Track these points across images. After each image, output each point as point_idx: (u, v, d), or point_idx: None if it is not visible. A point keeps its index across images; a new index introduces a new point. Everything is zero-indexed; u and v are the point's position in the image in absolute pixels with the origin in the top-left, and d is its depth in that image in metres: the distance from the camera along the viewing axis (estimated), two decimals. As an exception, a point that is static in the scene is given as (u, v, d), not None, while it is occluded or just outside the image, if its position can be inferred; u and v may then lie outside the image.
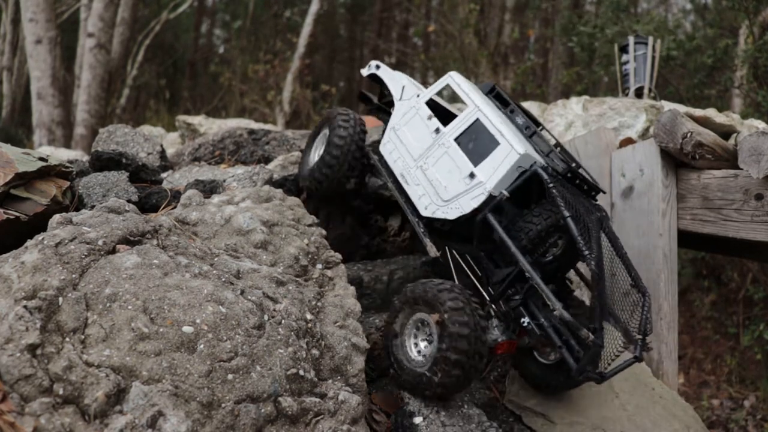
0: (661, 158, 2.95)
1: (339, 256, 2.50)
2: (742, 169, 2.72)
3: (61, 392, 1.53)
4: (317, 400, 1.92)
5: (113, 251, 1.92)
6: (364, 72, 3.19)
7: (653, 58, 4.17)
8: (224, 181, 3.17)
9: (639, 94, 4.12)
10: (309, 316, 2.10)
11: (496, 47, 12.38)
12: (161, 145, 3.77)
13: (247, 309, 1.91)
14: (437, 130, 2.63)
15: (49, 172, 2.63)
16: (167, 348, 1.70)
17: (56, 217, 1.99)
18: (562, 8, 10.69)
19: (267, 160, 3.78)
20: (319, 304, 2.22)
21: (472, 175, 2.45)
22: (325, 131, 3.04)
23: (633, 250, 3.00)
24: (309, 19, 12.81)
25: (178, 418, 1.60)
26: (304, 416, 1.87)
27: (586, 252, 2.12)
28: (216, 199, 2.54)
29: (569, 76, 9.91)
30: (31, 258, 1.76)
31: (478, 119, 2.51)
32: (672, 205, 2.96)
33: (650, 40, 4.21)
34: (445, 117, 2.80)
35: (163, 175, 3.40)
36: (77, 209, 2.66)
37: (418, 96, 2.81)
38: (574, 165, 2.62)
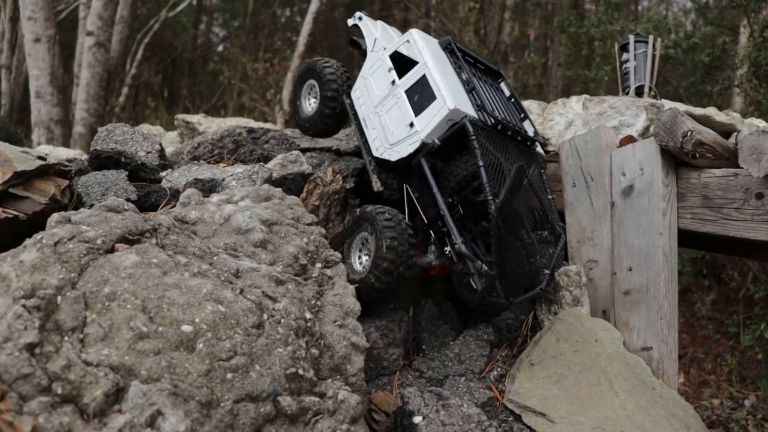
0: (661, 157, 2.94)
1: (338, 255, 2.50)
2: (742, 168, 2.72)
3: (59, 391, 1.53)
4: (316, 399, 1.92)
5: (112, 250, 1.91)
6: (350, 22, 3.54)
7: (653, 56, 4.15)
8: (223, 180, 3.17)
9: (639, 92, 4.11)
10: (308, 315, 2.09)
11: (496, 46, 12.36)
12: (160, 144, 3.75)
13: (246, 308, 1.90)
14: (393, 82, 2.95)
15: (47, 170, 2.63)
16: (166, 347, 1.69)
17: (55, 216, 1.98)
18: (562, 6, 10.67)
19: (266, 159, 3.76)
20: (318, 303, 2.22)
21: (411, 125, 2.79)
22: (312, 82, 3.46)
23: (633, 249, 3.00)
24: (309, 18, 12.78)
25: (177, 418, 1.59)
26: (303, 415, 1.86)
27: (490, 198, 2.49)
28: (215, 198, 2.53)
29: (575, 71, 9.90)
30: (29, 257, 1.75)
31: (424, 75, 2.80)
32: (672, 204, 2.95)
33: (650, 38, 4.20)
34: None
35: (162, 173, 3.39)
36: (76, 208, 2.66)
37: (384, 49, 3.11)
38: (509, 118, 2.95)
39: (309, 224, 2.54)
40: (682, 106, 3.56)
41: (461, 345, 2.89)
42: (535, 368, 2.70)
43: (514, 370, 2.77)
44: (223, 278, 2.00)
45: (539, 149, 3.05)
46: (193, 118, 5.60)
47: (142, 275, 1.83)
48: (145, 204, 2.78)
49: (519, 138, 2.87)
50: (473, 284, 2.59)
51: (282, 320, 1.98)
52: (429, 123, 2.73)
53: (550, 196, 2.88)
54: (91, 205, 2.57)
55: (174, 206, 2.55)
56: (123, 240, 1.97)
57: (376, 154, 2.99)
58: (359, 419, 2.00)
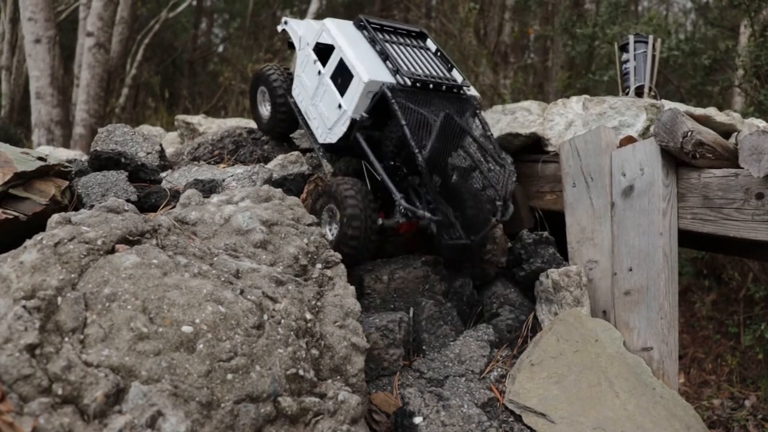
0: (661, 157, 2.94)
1: (339, 255, 2.50)
2: (742, 168, 2.72)
3: (60, 392, 1.53)
4: (317, 400, 1.92)
5: (112, 251, 1.91)
6: (279, 28, 3.75)
7: (653, 56, 4.15)
8: (223, 180, 3.17)
9: (639, 93, 4.11)
10: (308, 316, 2.09)
11: (496, 46, 12.36)
12: (160, 145, 3.76)
13: (246, 309, 1.90)
14: (319, 72, 3.17)
15: (48, 171, 2.63)
16: (166, 348, 1.69)
17: (55, 217, 1.98)
18: (562, 8, 10.66)
19: (266, 159, 3.77)
20: (318, 303, 2.22)
21: (339, 106, 3.01)
22: (263, 89, 3.71)
23: (633, 249, 3.00)
24: (308, 19, 12.76)
25: (178, 418, 1.59)
26: (303, 416, 1.86)
27: (416, 151, 2.69)
28: (215, 198, 2.53)
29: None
30: (29, 258, 1.75)
31: (341, 59, 3.02)
32: (672, 204, 2.95)
33: (650, 38, 4.19)
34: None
35: (163, 174, 3.40)
36: (76, 209, 2.66)
37: (308, 44, 3.33)
38: (434, 72, 3.13)
39: (309, 225, 2.54)
40: (682, 106, 3.56)
41: (461, 345, 2.89)
42: (536, 369, 2.70)
43: (514, 371, 2.77)
44: (223, 279, 2.00)
45: (472, 92, 3.20)
46: (194, 119, 5.59)
47: (143, 276, 1.83)
48: (146, 205, 2.78)
49: (444, 88, 3.03)
50: (433, 230, 2.83)
51: (282, 321, 1.98)
52: (352, 100, 2.94)
53: (489, 133, 3.04)
54: (92, 206, 2.57)
55: (174, 207, 2.55)
56: (123, 241, 1.97)
57: (321, 141, 3.21)
58: (359, 420, 2.00)
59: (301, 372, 1.90)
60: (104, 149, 3.24)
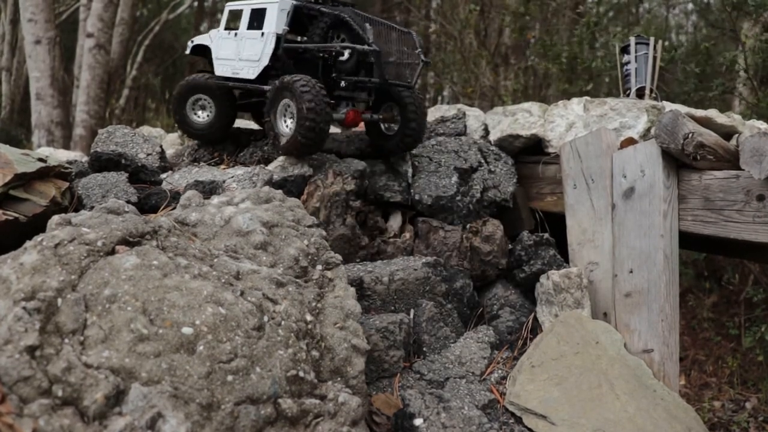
0: (662, 159, 2.94)
1: (339, 257, 2.49)
2: (743, 170, 2.72)
3: (60, 394, 1.52)
4: (317, 401, 1.92)
5: (112, 252, 1.91)
6: (188, 51, 4.15)
7: (654, 58, 4.15)
8: (224, 182, 3.17)
9: (640, 94, 4.11)
10: (309, 318, 2.09)
11: (497, 48, 12.36)
12: (161, 146, 3.76)
13: (246, 310, 1.90)
14: (236, 34, 3.69)
15: (48, 172, 2.63)
16: (167, 349, 1.69)
17: (55, 218, 1.98)
18: (563, 9, 10.67)
19: (267, 160, 3.76)
20: (319, 305, 2.21)
21: (263, 34, 3.49)
22: (199, 95, 3.96)
23: (634, 250, 3.00)
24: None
25: (178, 420, 1.59)
26: (303, 418, 1.86)
27: (336, 12, 3.34)
28: (215, 200, 2.53)
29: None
30: (29, 259, 1.75)
31: (252, 8, 3.58)
32: (673, 206, 2.95)
33: (651, 40, 4.19)
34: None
35: (163, 175, 3.39)
36: (76, 210, 2.66)
37: (217, 31, 3.85)
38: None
39: (309, 226, 2.53)
40: (683, 108, 3.56)
41: (462, 347, 2.89)
42: (536, 370, 2.70)
43: (514, 372, 2.77)
44: (223, 280, 2.00)
45: None
46: (194, 120, 5.57)
47: (143, 277, 1.83)
48: (146, 206, 2.78)
49: (340, 6, 3.59)
50: (378, 74, 3.25)
51: (282, 322, 1.97)
52: (272, 22, 3.44)
53: (394, 24, 3.52)
54: (92, 207, 2.57)
55: (174, 208, 2.55)
56: (123, 242, 1.96)
57: (252, 77, 3.58)
58: (360, 421, 2.00)
59: (301, 373, 1.90)
60: (104, 150, 3.24)
